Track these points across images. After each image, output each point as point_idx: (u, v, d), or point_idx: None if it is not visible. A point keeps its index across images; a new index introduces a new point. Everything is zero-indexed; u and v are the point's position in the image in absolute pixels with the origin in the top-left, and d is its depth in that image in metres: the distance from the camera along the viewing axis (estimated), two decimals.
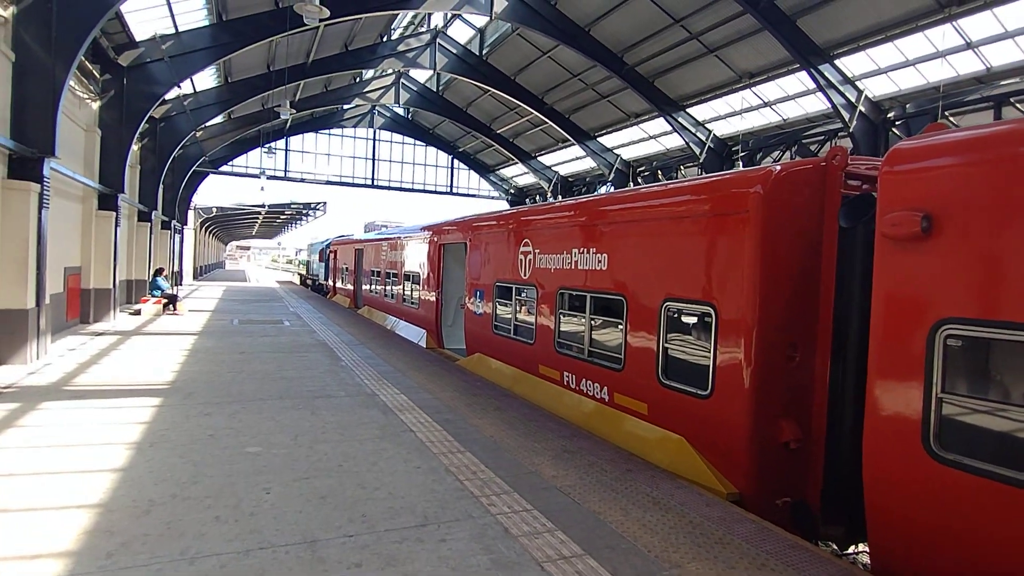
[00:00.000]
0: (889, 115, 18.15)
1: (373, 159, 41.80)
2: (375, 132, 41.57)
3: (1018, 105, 15.27)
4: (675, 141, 26.49)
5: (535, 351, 9.46)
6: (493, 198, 45.22)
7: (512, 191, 44.35)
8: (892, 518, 4.24)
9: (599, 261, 7.91)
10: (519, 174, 42.33)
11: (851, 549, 5.97)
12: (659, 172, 28.65)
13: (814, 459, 5.50)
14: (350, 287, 26.39)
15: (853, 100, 17.95)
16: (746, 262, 5.59)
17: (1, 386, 8.37)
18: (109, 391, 8.37)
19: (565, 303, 8.76)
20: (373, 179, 41.75)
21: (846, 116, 17.93)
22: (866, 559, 5.99)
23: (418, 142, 42.82)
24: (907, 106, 17.74)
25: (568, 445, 6.67)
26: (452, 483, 5.38)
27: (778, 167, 5.66)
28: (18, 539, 4.00)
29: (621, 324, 7.34)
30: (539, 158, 37.27)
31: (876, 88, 18.19)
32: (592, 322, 8.09)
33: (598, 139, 30.18)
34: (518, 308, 10.22)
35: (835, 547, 5.83)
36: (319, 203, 50.92)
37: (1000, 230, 3.71)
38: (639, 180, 29.80)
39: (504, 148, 37.23)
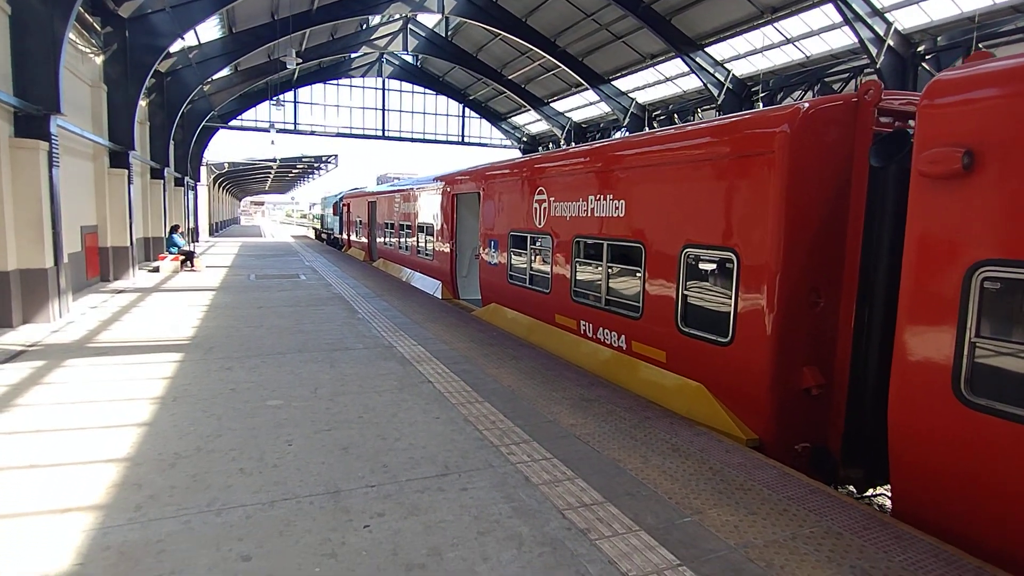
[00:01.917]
0: (919, 49, 17.26)
1: (383, 109, 41.02)
2: (384, 81, 40.67)
3: None
4: (692, 83, 25.57)
5: (551, 300, 9.39)
6: (505, 147, 44.41)
7: (525, 139, 43.50)
8: (917, 463, 4.18)
9: (616, 208, 7.72)
10: (532, 121, 41.41)
11: (869, 492, 5.97)
12: (675, 116, 27.81)
13: (836, 405, 5.43)
14: (364, 240, 26.35)
15: (881, 33, 17.05)
16: (770, 205, 5.39)
17: (26, 344, 8.52)
18: (131, 347, 8.48)
19: (581, 251, 8.62)
20: (384, 130, 41.09)
21: (873, 51, 17.07)
22: (884, 501, 6.01)
23: (428, 91, 41.87)
24: (938, 39, 16.84)
25: (586, 394, 6.67)
26: (471, 433, 5.41)
27: (806, 104, 5.37)
28: (48, 494, 4.09)
29: (639, 271, 7.21)
30: (552, 104, 36.31)
31: (906, 20, 17.24)
32: (609, 270, 7.96)
33: (612, 83, 29.25)
34: (533, 257, 10.10)
35: (853, 489, 5.83)
36: (330, 156, 50.20)
37: None
38: (655, 124, 28.98)
39: (516, 95, 36.28)
